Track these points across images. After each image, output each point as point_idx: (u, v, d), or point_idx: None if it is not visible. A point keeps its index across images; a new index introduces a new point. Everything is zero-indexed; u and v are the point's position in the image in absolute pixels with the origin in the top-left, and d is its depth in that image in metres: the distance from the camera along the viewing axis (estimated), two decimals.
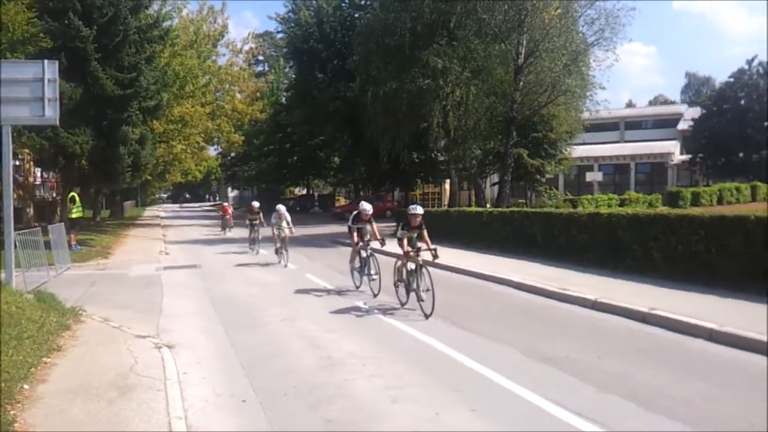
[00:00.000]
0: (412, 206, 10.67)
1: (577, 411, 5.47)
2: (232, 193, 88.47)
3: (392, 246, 11.46)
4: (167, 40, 30.37)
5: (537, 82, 25.77)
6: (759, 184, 43.85)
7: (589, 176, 46.99)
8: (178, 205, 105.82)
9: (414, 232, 10.31)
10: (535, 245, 15.95)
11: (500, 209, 20.52)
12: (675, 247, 11.50)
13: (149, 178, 48.54)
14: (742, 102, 52.65)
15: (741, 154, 51.46)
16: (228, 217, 30.05)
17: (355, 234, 11.94)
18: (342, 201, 57.83)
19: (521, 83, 25.48)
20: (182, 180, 73.23)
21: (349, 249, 12.71)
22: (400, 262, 10.40)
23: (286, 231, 16.97)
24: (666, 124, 64.91)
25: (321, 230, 29.72)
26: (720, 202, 38.69)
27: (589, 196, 34.03)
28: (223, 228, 29.74)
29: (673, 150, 58.08)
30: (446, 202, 42.74)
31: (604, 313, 9.48)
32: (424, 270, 9.76)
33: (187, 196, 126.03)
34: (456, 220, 21.10)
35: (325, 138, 44.71)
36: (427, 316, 9.38)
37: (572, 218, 14.88)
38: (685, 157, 56.92)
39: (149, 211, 73.57)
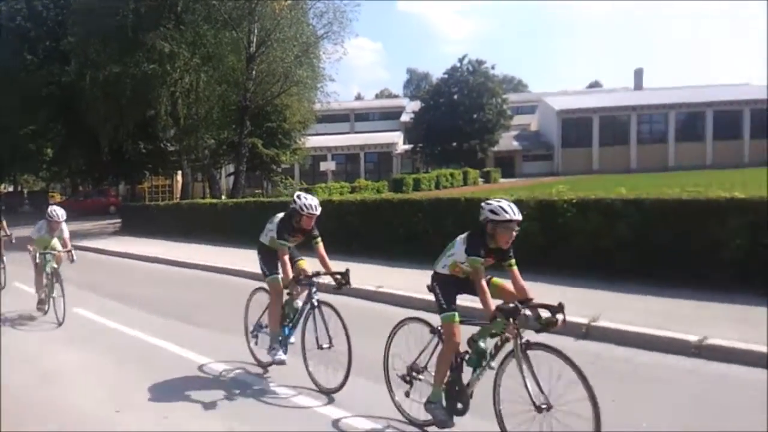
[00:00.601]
0: (497, 202, 4.46)
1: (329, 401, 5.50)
2: None
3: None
4: None
5: (269, 72, 25.97)
6: (470, 169, 49.90)
7: (323, 165, 48.73)
8: None
9: (491, 260, 4.61)
10: None
11: (235, 200, 20.25)
12: (398, 229, 12.40)
13: None
14: (455, 96, 58.63)
15: (454, 144, 57.74)
16: None
17: (287, 258, 6.27)
18: (57, 197, 52.17)
19: (254, 72, 25.45)
20: None
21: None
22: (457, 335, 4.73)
23: (62, 255, 9.56)
24: (391, 116, 70.47)
25: None
26: (437, 186, 42.67)
27: (323, 185, 35.27)
28: None
29: (397, 140, 63.19)
30: (178, 195, 40.87)
31: (337, 295, 9.78)
32: (532, 358, 4.02)
33: None
34: (188, 212, 20.23)
35: (37, 127, 39.68)
36: None
37: None
38: (408, 146, 62.23)
39: None
